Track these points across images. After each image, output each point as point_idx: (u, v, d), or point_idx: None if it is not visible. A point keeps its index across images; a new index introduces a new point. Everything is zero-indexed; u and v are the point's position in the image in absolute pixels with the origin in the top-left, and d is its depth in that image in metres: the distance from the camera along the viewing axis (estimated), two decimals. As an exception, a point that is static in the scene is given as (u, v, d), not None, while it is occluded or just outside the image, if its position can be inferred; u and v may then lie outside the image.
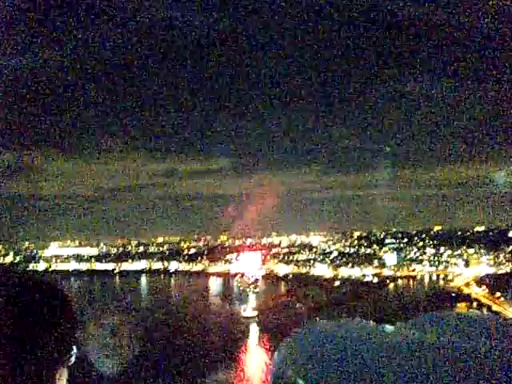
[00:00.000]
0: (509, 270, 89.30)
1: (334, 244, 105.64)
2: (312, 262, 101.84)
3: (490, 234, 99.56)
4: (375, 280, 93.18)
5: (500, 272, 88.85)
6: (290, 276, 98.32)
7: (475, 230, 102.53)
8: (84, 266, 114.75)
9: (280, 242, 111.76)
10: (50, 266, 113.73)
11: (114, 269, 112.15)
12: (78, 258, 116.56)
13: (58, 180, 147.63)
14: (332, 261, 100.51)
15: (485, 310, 67.27)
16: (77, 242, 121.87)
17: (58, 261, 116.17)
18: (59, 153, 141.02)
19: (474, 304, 72.57)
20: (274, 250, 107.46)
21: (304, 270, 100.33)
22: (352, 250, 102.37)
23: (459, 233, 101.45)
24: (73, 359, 1.52)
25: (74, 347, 1.50)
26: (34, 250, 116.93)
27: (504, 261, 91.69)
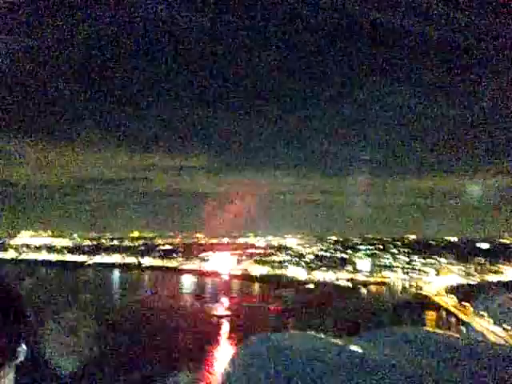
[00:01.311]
0: (478, 281, 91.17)
1: (310, 247, 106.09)
2: (287, 263, 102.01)
3: (462, 244, 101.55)
4: (348, 284, 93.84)
5: (470, 282, 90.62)
6: (265, 277, 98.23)
7: (447, 240, 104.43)
8: (55, 257, 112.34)
9: (256, 243, 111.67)
10: (20, 255, 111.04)
11: (86, 261, 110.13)
12: (50, 249, 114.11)
13: (31, 168, 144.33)
14: (307, 264, 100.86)
15: (453, 320, 68.42)
16: (49, 232, 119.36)
17: (29, 250, 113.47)
18: (34, 140, 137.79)
19: (443, 313, 73.67)
20: (250, 251, 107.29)
21: (279, 272, 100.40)
22: (327, 254, 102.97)
23: (432, 242, 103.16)
24: (22, 357, 1.45)
25: (24, 345, 1.45)
26: (4, 238, 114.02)
27: (474, 271, 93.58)
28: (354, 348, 4.39)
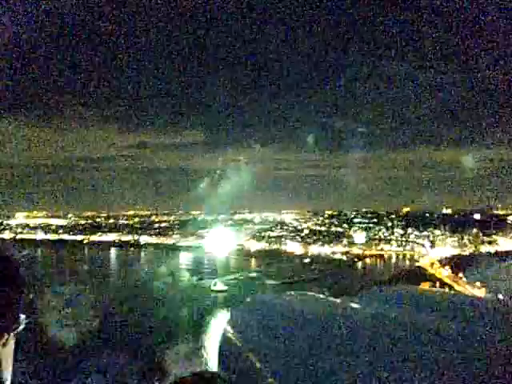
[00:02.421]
0: (473, 252, 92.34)
1: (306, 222, 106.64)
2: (283, 239, 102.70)
3: (456, 216, 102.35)
4: (344, 258, 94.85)
5: (464, 253, 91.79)
6: (262, 252, 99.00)
7: (442, 212, 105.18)
8: (52, 237, 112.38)
9: (252, 219, 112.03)
10: (16, 236, 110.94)
11: (83, 240, 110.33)
12: (46, 229, 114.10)
13: (24, 148, 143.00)
14: (303, 238, 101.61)
15: (448, 290, 69.52)
16: (44, 213, 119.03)
17: (25, 231, 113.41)
18: (27, 119, 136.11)
19: (438, 284, 74.78)
20: (246, 226, 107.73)
21: (275, 247, 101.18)
22: (323, 229, 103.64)
23: (426, 214, 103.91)
24: (21, 327, 1.46)
25: (22, 315, 1.45)
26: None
27: (468, 243, 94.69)
28: (351, 305, 4.34)
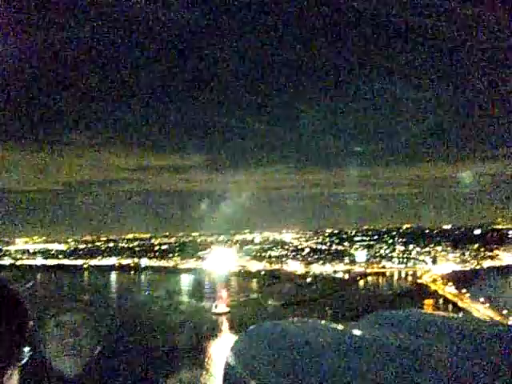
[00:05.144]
0: (474, 267, 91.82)
1: (306, 241, 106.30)
2: (284, 258, 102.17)
3: (457, 232, 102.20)
4: (346, 276, 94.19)
5: (466, 269, 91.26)
6: (263, 272, 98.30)
7: (443, 228, 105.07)
8: (52, 262, 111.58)
9: (253, 239, 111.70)
10: (16, 262, 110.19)
11: (83, 264, 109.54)
12: (45, 254, 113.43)
13: (24, 173, 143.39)
14: (304, 257, 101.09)
15: (451, 306, 68.93)
16: (43, 238, 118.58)
17: (24, 257, 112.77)
18: (25, 145, 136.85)
19: (441, 300, 74.19)
20: (247, 247, 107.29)
21: (276, 267, 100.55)
22: (324, 247, 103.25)
23: (427, 231, 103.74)
24: (25, 359, 1.48)
25: (27, 347, 1.47)
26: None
27: (469, 258, 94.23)
28: (354, 331, 4.37)
